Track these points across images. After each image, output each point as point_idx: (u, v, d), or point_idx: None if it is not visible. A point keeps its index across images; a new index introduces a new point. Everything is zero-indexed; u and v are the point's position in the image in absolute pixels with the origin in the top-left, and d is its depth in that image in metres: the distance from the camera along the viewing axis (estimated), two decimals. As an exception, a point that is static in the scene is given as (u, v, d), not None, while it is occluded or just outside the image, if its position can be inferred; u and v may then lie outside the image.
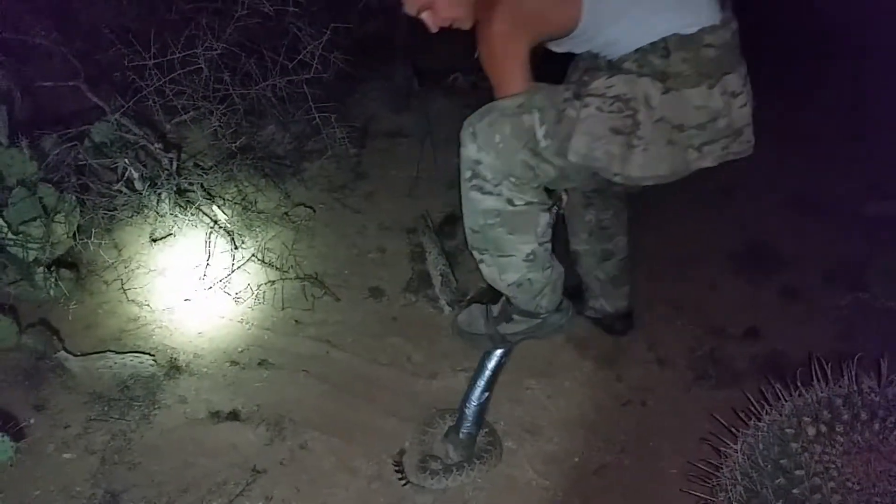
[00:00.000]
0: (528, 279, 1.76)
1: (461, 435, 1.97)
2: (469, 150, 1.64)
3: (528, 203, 1.67)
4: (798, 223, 2.83)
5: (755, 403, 1.49)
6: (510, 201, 1.66)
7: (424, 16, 1.70)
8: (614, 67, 1.59)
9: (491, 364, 1.95)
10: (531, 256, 1.73)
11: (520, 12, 1.54)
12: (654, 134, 1.55)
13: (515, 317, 1.87)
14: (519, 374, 2.20)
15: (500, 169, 1.63)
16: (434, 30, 1.72)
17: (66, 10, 2.80)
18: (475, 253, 1.78)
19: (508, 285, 1.78)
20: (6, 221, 2.03)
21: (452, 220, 2.86)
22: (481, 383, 1.94)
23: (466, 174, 1.67)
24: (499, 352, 1.94)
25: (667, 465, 1.95)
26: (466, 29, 1.69)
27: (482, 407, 1.97)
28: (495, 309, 1.92)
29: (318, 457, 1.99)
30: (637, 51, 1.55)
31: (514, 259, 1.73)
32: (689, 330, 2.37)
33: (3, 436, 1.65)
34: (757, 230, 2.79)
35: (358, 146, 3.17)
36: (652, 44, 1.54)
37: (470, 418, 1.96)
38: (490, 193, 1.65)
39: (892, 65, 3.40)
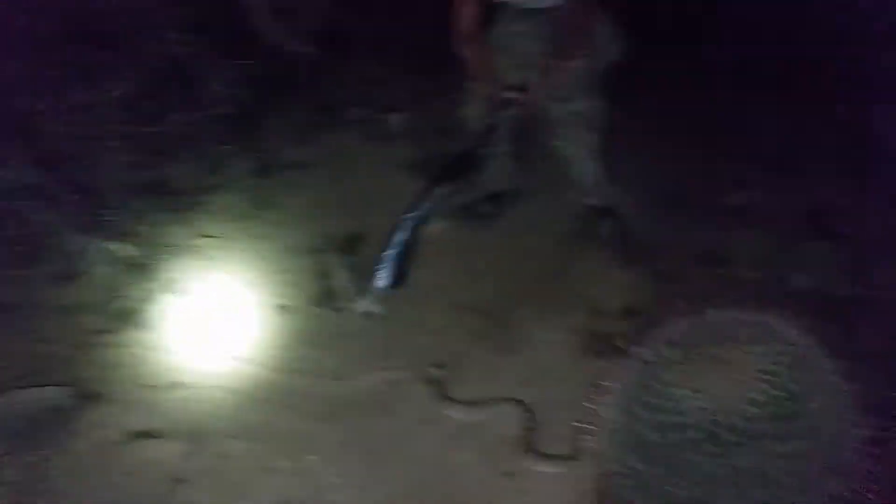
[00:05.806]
0: None
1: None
2: None
3: None
4: (667, 216, 3.11)
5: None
6: None
7: None
8: None
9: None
10: None
11: None
12: None
13: None
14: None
15: None
16: None
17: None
18: None
19: None
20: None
21: (355, 239, 3.03)
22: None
23: None
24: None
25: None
26: None
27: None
28: None
29: (239, 461, 2.08)
30: None
31: None
32: (570, 313, 2.60)
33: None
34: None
35: (261, 178, 3.32)
36: None
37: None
38: None
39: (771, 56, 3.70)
